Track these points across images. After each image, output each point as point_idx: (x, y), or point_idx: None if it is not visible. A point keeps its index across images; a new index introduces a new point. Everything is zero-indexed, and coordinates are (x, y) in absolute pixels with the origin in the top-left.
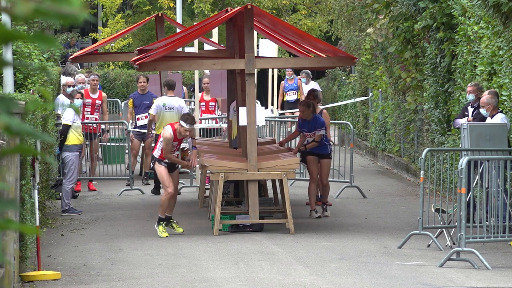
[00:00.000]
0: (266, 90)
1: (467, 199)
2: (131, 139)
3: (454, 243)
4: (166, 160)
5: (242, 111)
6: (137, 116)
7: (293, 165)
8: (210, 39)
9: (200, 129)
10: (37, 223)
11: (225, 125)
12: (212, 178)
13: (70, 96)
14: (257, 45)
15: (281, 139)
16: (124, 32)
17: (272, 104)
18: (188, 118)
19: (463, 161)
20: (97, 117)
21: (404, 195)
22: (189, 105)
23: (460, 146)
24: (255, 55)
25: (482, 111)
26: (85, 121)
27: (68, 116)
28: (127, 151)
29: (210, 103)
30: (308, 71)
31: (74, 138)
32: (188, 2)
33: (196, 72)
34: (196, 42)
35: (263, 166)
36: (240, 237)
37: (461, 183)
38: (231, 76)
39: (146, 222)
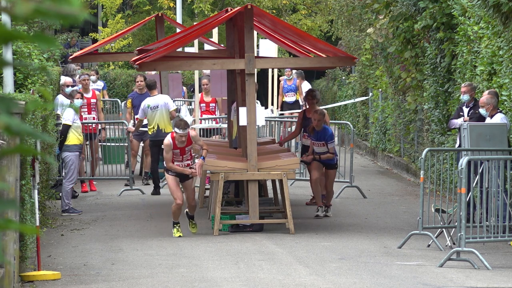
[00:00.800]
0: (266, 90)
1: (467, 199)
2: (130, 139)
3: (454, 243)
4: (174, 171)
5: (242, 111)
6: (136, 116)
7: (293, 165)
8: (210, 39)
9: (200, 129)
10: (37, 223)
11: (225, 125)
12: (212, 178)
13: (70, 96)
14: (257, 45)
15: (281, 139)
16: (124, 32)
17: (272, 104)
18: (180, 123)
19: (463, 161)
20: (94, 116)
21: (404, 195)
22: (190, 105)
23: (456, 146)
24: (255, 55)
25: (482, 111)
26: (85, 121)
27: (68, 116)
28: (126, 151)
29: (211, 104)
30: (301, 71)
31: (74, 138)
32: (188, 2)
33: (196, 72)
34: (196, 42)
35: (263, 166)
36: (240, 237)
37: (461, 183)
38: (231, 76)
39: (146, 222)
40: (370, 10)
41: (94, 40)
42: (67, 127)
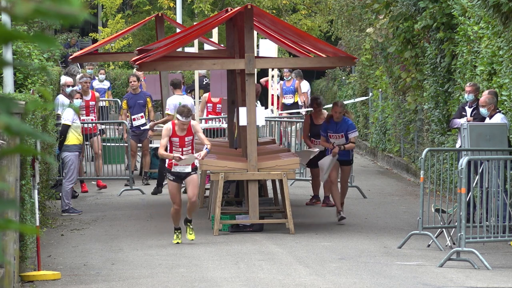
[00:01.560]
0: (266, 90)
1: (467, 199)
2: (125, 140)
3: (454, 243)
4: (173, 170)
5: (242, 111)
6: (133, 117)
7: (293, 165)
8: (210, 39)
9: (203, 129)
10: (37, 223)
11: (225, 125)
12: (212, 178)
13: (70, 96)
14: (257, 45)
15: (280, 139)
16: (124, 32)
17: (272, 104)
18: (184, 110)
19: (463, 161)
20: (93, 118)
21: (404, 195)
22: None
23: (456, 146)
24: (255, 55)
25: (483, 110)
26: (85, 122)
27: (67, 116)
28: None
29: (218, 105)
30: (299, 70)
31: (73, 138)
32: (188, 2)
33: (196, 72)
34: (196, 42)
35: (263, 166)
36: (240, 237)
37: (461, 183)
38: (231, 76)
39: (146, 222)
40: (370, 10)
41: (94, 40)
42: (66, 127)
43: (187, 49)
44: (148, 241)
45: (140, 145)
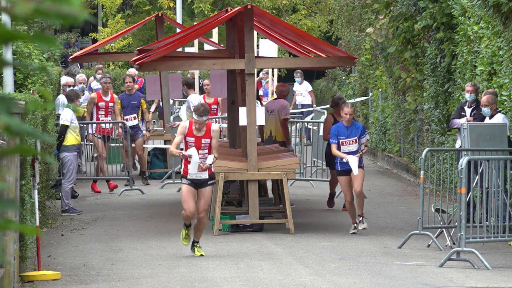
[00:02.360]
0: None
1: (467, 199)
2: (119, 140)
3: (454, 243)
4: (189, 177)
5: (242, 111)
6: (125, 117)
7: (293, 165)
8: (210, 39)
9: None
10: (37, 223)
11: (224, 125)
12: None
13: (74, 97)
14: (257, 45)
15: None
16: (124, 32)
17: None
18: (199, 108)
19: (463, 161)
20: (110, 119)
21: (404, 195)
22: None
23: (456, 146)
24: (255, 55)
25: (486, 110)
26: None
27: (66, 117)
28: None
29: (213, 106)
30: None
31: (72, 138)
32: (188, 2)
33: (196, 72)
34: (196, 42)
35: (263, 166)
36: (240, 237)
37: (461, 183)
38: (231, 76)
39: (146, 222)
40: (370, 10)
41: (94, 40)
42: (65, 128)
43: (187, 49)
44: (148, 241)
45: (133, 145)
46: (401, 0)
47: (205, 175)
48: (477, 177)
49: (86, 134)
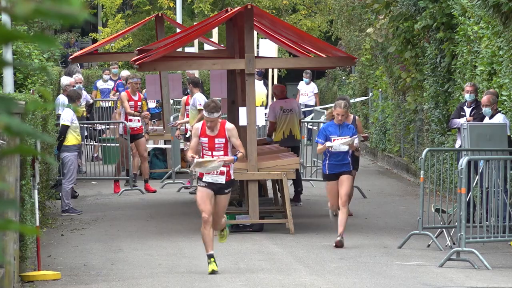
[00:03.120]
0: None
1: (467, 199)
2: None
3: (454, 243)
4: (204, 179)
5: (242, 111)
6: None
7: (293, 165)
8: (210, 39)
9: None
10: (37, 223)
11: None
12: None
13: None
14: (257, 45)
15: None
16: (124, 32)
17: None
18: (209, 104)
19: (463, 161)
20: (139, 118)
21: (404, 195)
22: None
23: (456, 146)
24: (255, 55)
25: (487, 110)
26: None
27: (66, 117)
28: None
29: None
30: (309, 71)
31: (72, 138)
32: (188, 2)
33: (196, 73)
34: (196, 42)
35: (263, 166)
36: (240, 237)
37: (461, 183)
38: (231, 76)
39: (146, 222)
40: (370, 10)
41: (94, 40)
42: (65, 128)
43: (187, 49)
44: (148, 241)
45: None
46: (401, 0)
47: (221, 179)
48: (477, 177)
49: (85, 134)
